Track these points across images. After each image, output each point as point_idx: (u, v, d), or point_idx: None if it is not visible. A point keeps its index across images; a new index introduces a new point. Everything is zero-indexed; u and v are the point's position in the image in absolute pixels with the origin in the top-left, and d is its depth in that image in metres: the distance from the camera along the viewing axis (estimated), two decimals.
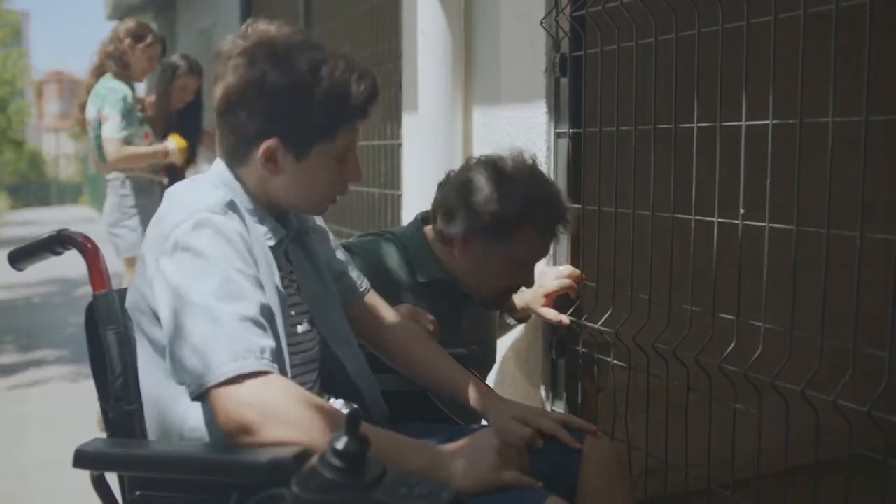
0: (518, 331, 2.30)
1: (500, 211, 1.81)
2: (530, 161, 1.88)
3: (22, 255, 1.48)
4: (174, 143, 3.82)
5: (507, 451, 1.27)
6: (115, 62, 3.74)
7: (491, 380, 2.39)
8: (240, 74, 1.33)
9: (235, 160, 1.39)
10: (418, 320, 1.76)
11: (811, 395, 1.41)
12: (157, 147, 3.79)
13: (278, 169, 1.36)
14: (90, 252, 1.41)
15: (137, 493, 1.29)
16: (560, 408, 2.16)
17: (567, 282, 2.05)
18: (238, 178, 1.40)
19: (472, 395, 1.55)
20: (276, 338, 1.28)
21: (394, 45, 3.12)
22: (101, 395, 1.39)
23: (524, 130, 2.25)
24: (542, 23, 2.11)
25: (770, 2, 1.49)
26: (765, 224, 1.53)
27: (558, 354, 2.18)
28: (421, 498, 0.97)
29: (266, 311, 1.25)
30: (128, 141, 3.68)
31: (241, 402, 1.16)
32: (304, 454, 1.08)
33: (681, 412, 1.74)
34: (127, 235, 3.68)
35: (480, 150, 2.46)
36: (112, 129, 3.64)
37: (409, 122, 2.95)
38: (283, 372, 1.27)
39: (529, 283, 1.96)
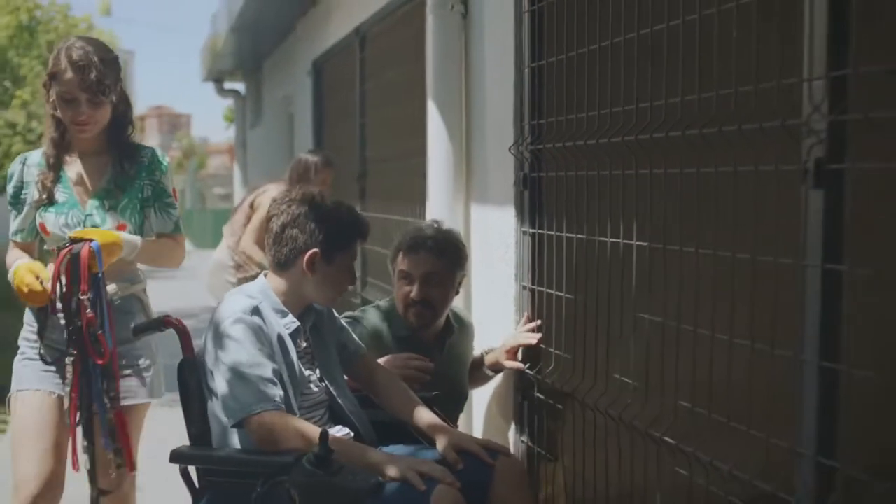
0: (498, 379, 3.00)
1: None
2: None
3: (139, 330, 2.30)
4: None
5: (422, 464, 1.99)
6: None
7: (478, 417, 3.11)
8: (294, 209, 2.18)
9: (284, 267, 2.20)
10: (405, 364, 2.51)
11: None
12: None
13: (314, 270, 2.17)
14: (182, 331, 2.20)
15: (207, 479, 2.11)
16: (525, 440, 2.82)
17: (523, 339, 2.70)
18: (278, 285, 2.20)
19: (428, 425, 2.26)
20: (285, 390, 2.08)
21: (421, 142, 3.88)
22: (188, 420, 2.18)
23: (501, 226, 2.96)
24: (510, 149, 2.83)
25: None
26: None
27: (522, 398, 2.86)
28: (358, 480, 1.75)
29: (277, 373, 2.06)
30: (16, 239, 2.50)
31: (265, 428, 1.98)
32: (298, 457, 1.86)
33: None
34: None
35: (475, 237, 3.22)
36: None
37: (428, 207, 3.71)
38: (290, 411, 2.07)
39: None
